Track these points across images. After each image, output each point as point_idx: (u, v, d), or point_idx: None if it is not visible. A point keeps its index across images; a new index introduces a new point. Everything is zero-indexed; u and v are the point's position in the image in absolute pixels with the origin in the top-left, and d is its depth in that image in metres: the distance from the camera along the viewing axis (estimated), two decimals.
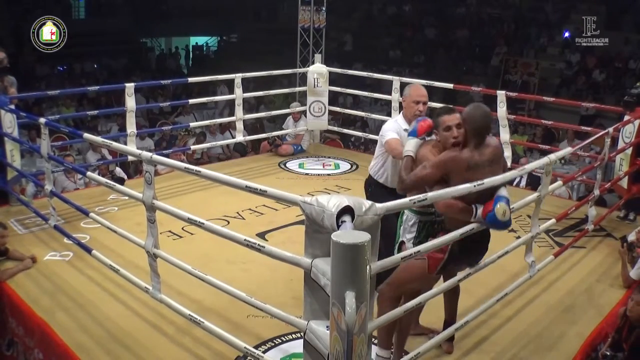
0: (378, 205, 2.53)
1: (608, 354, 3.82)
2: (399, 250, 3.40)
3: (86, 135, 4.70)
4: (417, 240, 3.37)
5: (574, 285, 4.57)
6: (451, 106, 3.33)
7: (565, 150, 4.68)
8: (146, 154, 3.57)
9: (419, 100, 3.83)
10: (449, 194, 2.93)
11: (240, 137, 7.66)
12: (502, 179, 3.16)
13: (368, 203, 2.50)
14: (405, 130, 3.69)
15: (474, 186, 2.93)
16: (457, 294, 3.65)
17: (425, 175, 3.16)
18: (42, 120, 4.98)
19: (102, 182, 4.39)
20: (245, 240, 2.92)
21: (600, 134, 5.15)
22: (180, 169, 3.41)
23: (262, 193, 2.82)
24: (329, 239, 2.31)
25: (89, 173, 4.85)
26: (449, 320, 3.65)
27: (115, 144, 4.41)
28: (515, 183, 7.49)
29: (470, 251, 3.26)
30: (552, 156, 3.96)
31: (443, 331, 3.44)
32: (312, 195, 2.63)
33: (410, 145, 3.33)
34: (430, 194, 2.84)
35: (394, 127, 3.99)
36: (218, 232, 3.17)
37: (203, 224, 3.23)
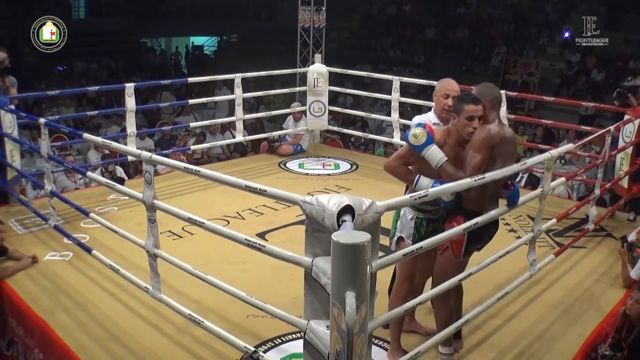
0: (378, 203, 2.53)
1: (607, 353, 3.82)
2: (397, 246, 3.42)
3: (86, 135, 4.70)
4: (417, 237, 3.37)
5: (574, 285, 4.57)
6: (477, 97, 3.26)
7: (567, 147, 4.68)
8: (146, 154, 3.57)
9: (448, 94, 3.63)
10: (450, 190, 2.98)
11: (240, 137, 7.66)
12: (502, 173, 3.18)
13: (368, 202, 2.49)
14: (435, 124, 3.57)
15: (475, 180, 3.01)
16: (461, 293, 3.68)
17: (481, 162, 3.17)
18: (42, 120, 4.97)
19: (102, 182, 4.39)
20: (245, 239, 2.92)
21: (601, 132, 5.15)
22: (179, 169, 3.42)
23: (262, 193, 2.82)
24: (329, 238, 2.31)
25: (89, 173, 4.86)
26: (455, 318, 3.63)
27: (115, 144, 4.41)
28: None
29: (486, 226, 3.30)
30: (554, 152, 3.96)
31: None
32: (312, 195, 2.62)
33: (437, 151, 3.21)
34: (431, 190, 2.83)
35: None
36: (218, 232, 3.17)
37: (203, 223, 3.23)
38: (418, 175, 3.23)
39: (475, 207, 3.26)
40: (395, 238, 3.47)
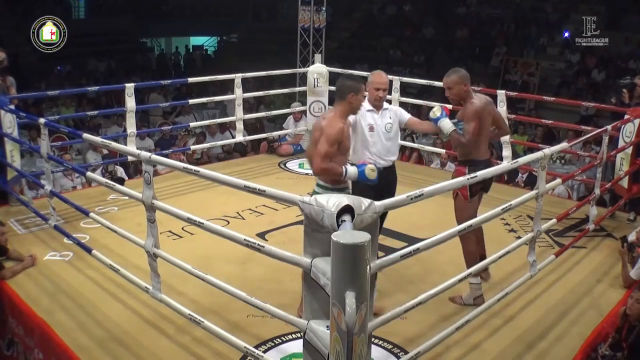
0: (377, 203, 2.53)
1: (608, 353, 3.82)
2: None
3: (85, 135, 4.69)
4: None
5: (574, 285, 4.57)
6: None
7: (561, 145, 4.69)
8: (145, 154, 3.57)
9: (378, 87, 4.29)
10: (446, 188, 3.03)
11: (240, 137, 7.66)
12: (495, 171, 3.29)
13: (367, 201, 2.50)
14: (369, 110, 4.28)
15: (467, 179, 3.15)
16: (482, 231, 4.41)
17: (475, 129, 4.09)
18: (42, 120, 4.98)
19: (102, 182, 4.39)
20: (245, 240, 2.92)
21: (598, 131, 5.17)
22: (179, 169, 3.41)
23: (261, 193, 2.82)
24: (328, 238, 2.31)
25: (88, 173, 4.85)
26: (483, 254, 4.29)
27: (114, 144, 4.41)
28: (514, 183, 7.50)
29: (485, 167, 3.89)
30: (547, 150, 3.97)
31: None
32: (312, 195, 2.62)
33: (447, 123, 4.14)
34: (426, 190, 2.83)
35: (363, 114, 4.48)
36: (218, 232, 3.17)
37: (203, 224, 3.22)
38: (344, 168, 3.61)
39: (472, 157, 4.20)
40: None
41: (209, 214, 5.24)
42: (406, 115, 4.47)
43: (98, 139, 4.81)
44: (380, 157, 4.23)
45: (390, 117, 4.33)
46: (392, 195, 3.78)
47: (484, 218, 3.37)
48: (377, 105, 4.29)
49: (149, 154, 3.60)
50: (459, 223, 3.78)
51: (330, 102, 8.15)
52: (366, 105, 4.28)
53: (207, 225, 3.22)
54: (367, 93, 4.25)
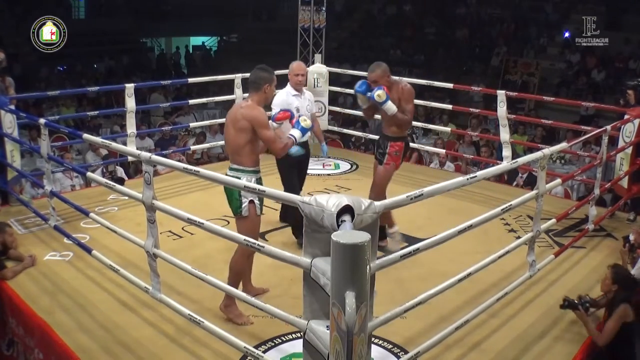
0: (377, 203, 2.53)
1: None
2: (249, 209, 3.83)
3: (86, 135, 4.68)
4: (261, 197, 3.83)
5: (573, 285, 4.56)
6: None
7: (560, 146, 4.68)
8: (145, 154, 3.56)
9: (297, 73, 5.25)
10: (446, 188, 3.02)
11: None
12: (495, 171, 3.29)
13: (367, 201, 2.50)
14: (294, 95, 5.24)
15: (467, 179, 3.14)
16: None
17: (413, 107, 4.78)
18: (42, 120, 4.97)
19: (101, 182, 4.38)
20: (245, 240, 2.92)
21: (597, 131, 5.17)
22: (179, 169, 3.40)
23: (261, 193, 2.82)
24: (328, 238, 2.31)
25: (88, 174, 4.85)
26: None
27: (114, 144, 4.41)
28: (515, 183, 7.50)
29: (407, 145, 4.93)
30: (546, 150, 3.97)
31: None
32: (312, 195, 2.63)
33: (392, 104, 4.60)
34: (426, 189, 2.83)
35: (280, 98, 5.21)
36: (218, 232, 3.17)
37: (203, 224, 3.22)
38: (290, 135, 3.98)
39: (404, 134, 4.90)
40: (246, 203, 3.81)
41: (209, 214, 5.23)
42: (314, 107, 5.49)
43: (98, 139, 4.79)
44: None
45: (309, 100, 5.33)
46: (307, 168, 5.41)
47: (484, 218, 3.36)
48: (298, 89, 5.26)
49: (149, 154, 3.60)
50: (378, 188, 4.76)
51: (331, 102, 8.19)
52: (291, 90, 5.27)
53: (207, 225, 3.22)
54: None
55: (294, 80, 5.27)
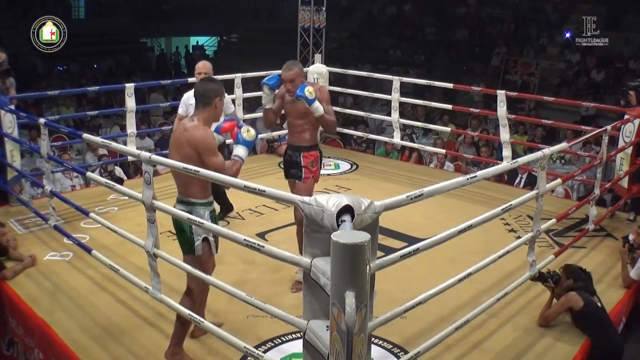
0: (377, 203, 2.53)
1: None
2: (204, 247, 3.45)
3: (85, 135, 4.67)
4: (214, 219, 3.51)
5: None
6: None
7: (560, 146, 4.68)
8: (145, 154, 3.56)
9: (200, 72, 5.18)
10: (446, 188, 3.03)
11: None
12: (494, 171, 3.27)
13: (367, 201, 2.49)
14: None
15: (467, 179, 3.13)
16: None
17: (331, 108, 4.46)
18: (42, 120, 4.97)
19: (101, 182, 4.38)
20: (244, 240, 2.92)
21: (597, 131, 5.17)
22: (178, 169, 3.37)
23: (261, 193, 2.82)
24: (328, 238, 2.31)
25: (88, 173, 4.84)
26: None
27: (114, 144, 4.39)
28: (515, 183, 7.50)
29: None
30: (546, 150, 3.97)
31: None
32: (312, 195, 2.62)
33: (319, 105, 4.22)
34: (426, 189, 2.82)
35: (186, 98, 5.21)
36: (217, 232, 3.17)
37: (202, 224, 3.23)
38: (236, 156, 3.48)
39: (317, 141, 4.50)
40: (199, 241, 3.44)
41: None
42: (229, 109, 5.35)
43: (98, 139, 4.78)
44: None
45: (225, 102, 4.58)
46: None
47: (484, 218, 3.36)
48: None
49: (149, 154, 3.59)
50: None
51: (331, 102, 8.18)
52: None
53: (206, 225, 3.23)
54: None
55: (196, 78, 5.15)
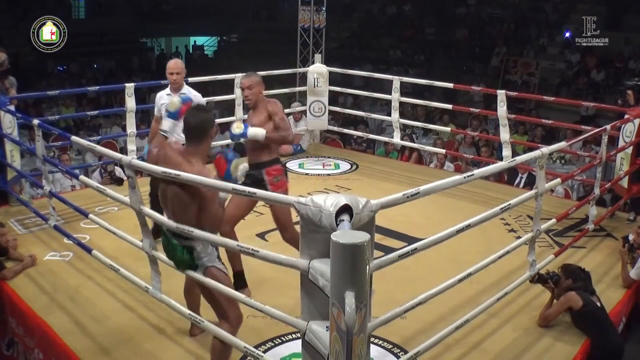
0: (373, 201, 2.52)
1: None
2: (209, 275, 3.21)
3: (74, 138, 4.49)
4: (218, 253, 3.28)
5: None
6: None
7: (558, 145, 4.67)
8: (126, 159, 3.45)
9: (172, 72, 4.95)
10: (443, 186, 3.01)
11: None
12: (493, 169, 3.25)
13: (363, 200, 2.49)
14: (168, 94, 4.93)
15: (464, 177, 3.13)
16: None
17: (288, 122, 4.26)
18: (36, 121, 4.94)
19: (92, 185, 4.29)
20: (237, 245, 2.90)
21: (597, 131, 5.16)
22: (157, 174, 3.19)
23: (251, 196, 2.79)
24: (325, 239, 2.30)
25: (81, 177, 4.72)
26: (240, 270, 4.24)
27: (99, 147, 4.26)
28: (515, 183, 7.50)
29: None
30: (545, 149, 3.96)
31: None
32: (312, 195, 2.62)
33: (256, 129, 4.09)
34: (422, 188, 2.81)
35: (157, 97, 5.12)
36: (211, 240, 3.13)
37: (192, 232, 3.17)
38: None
39: (276, 154, 4.27)
40: (203, 269, 3.23)
41: None
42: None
43: (84, 141, 4.46)
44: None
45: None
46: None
47: (482, 217, 3.35)
48: (174, 88, 4.97)
49: (130, 158, 3.46)
50: (287, 225, 4.21)
51: (331, 102, 8.19)
52: (168, 89, 5.03)
53: (196, 233, 3.16)
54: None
55: (169, 79, 4.97)
